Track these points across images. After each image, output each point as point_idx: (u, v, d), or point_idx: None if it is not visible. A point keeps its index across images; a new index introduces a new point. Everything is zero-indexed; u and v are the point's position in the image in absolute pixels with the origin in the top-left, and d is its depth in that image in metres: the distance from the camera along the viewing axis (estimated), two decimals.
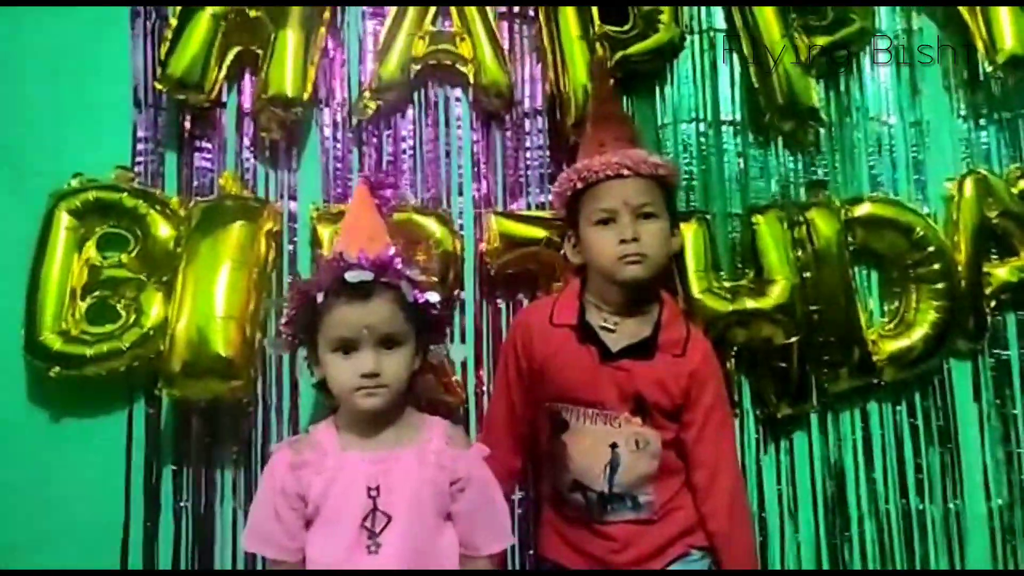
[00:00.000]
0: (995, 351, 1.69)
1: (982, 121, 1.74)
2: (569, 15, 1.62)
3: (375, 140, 1.65)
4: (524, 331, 1.40)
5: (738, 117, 1.70)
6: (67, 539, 1.51)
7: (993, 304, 1.68)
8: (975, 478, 1.66)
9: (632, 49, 1.64)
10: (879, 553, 1.63)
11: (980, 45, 1.69)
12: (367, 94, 1.62)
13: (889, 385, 1.65)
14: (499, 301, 1.63)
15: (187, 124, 1.62)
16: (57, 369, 1.49)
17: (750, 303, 1.58)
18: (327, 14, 1.63)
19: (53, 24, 1.63)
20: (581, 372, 1.34)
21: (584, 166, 1.36)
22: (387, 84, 1.62)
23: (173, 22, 1.58)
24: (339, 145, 1.65)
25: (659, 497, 1.34)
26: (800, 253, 1.62)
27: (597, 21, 1.63)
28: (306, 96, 1.58)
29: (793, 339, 1.58)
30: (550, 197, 1.61)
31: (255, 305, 1.51)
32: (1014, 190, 1.69)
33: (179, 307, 1.47)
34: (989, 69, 1.69)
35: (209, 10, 1.57)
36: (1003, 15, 1.67)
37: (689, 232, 1.56)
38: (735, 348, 1.60)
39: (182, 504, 1.55)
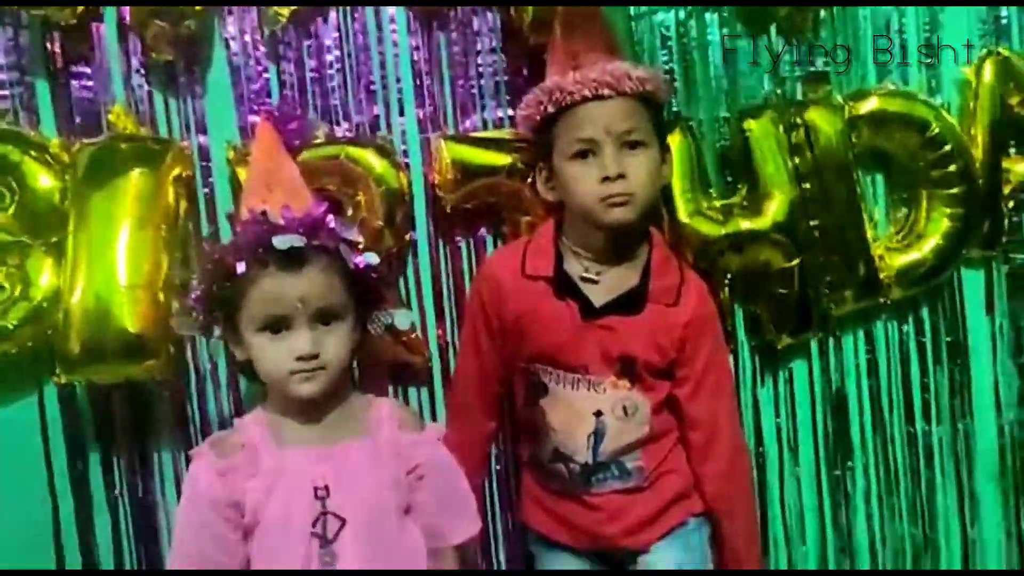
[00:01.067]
0: (1011, 255, 1.53)
1: None
2: None
3: (293, 53, 1.37)
4: (492, 285, 1.20)
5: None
6: None
7: (1011, 205, 1.50)
8: (985, 395, 1.53)
9: None
10: (883, 481, 1.51)
11: None
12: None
13: (895, 301, 1.49)
14: (458, 240, 1.40)
15: (56, 45, 1.31)
16: None
17: (745, 224, 1.38)
18: None
19: None
20: (560, 332, 1.16)
21: (555, 84, 1.13)
22: None
23: None
24: (251, 63, 1.37)
25: (649, 462, 1.19)
26: (799, 160, 1.40)
27: None
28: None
29: (794, 262, 1.39)
30: (510, 112, 1.38)
31: (167, 268, 1.27)
32: None
33: (72, 275, 1.24)
34: None
35: None
36: None
37: (672, 144, 1.32)
38: (728, 275, 1.41)
39: (116, 494, 1.37)
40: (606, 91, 1.10)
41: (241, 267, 1.01)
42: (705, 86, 1.42)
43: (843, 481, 1.51)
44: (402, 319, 1.13)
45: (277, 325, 1.01)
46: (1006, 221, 1.49)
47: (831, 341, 1.49)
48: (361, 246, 1.09)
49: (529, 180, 1.28)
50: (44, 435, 1.35)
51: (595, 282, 1.16)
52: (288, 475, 1.01)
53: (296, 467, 1.02)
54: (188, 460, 1.34)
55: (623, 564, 1.22)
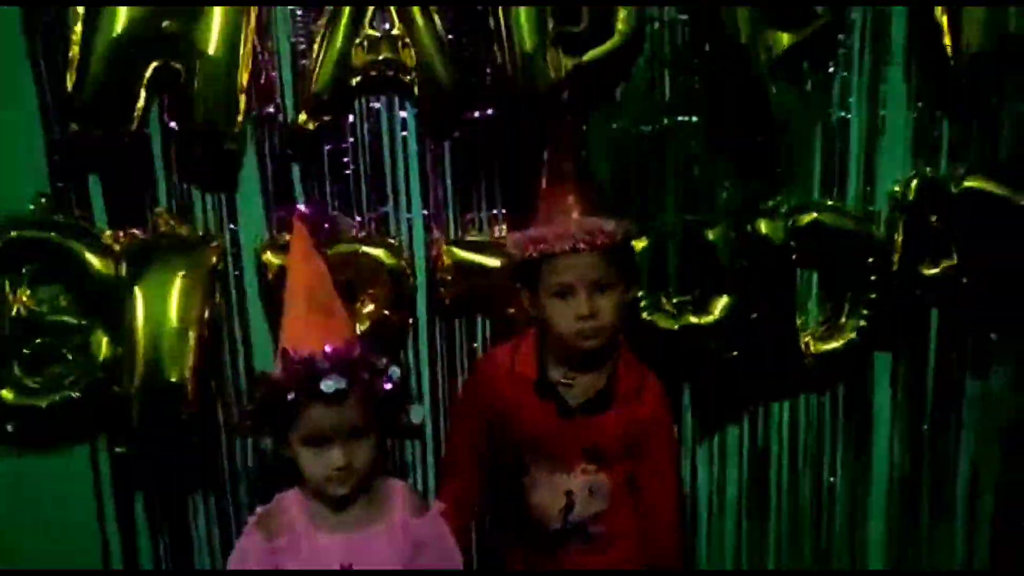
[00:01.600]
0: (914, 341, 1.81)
1: (938, 117, 1.71)
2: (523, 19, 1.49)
3: (315, 156, 1.56)
4: (485, 382, 1.45)
5: (694, 119, 1.64)
6: None
7: (920, 303, 1.77)
8: (883, 455, 1.84)
9: (587, 56, 1.53)
10: (793, 526, 1.84)
11: (947, 40, 1.63)
12: (302, 116, 1.50)
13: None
14: (454, 323, 1.65)
15: (108, 148, 1.50)
16: (14, 425, 1.50)
17: (694, 319, 1.64)
18: (252, 20, 1.46)
19: None
20: (541, 427, 1.42)
21: (541, 236, 1.35)
22: (323, 98, 1.50)
23: (76, 35, 1.40)
24: (279, 165, 1.56)
25: (609, 529, 1.47)
26: (745, 263, 1.65)
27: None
28: (237, 128, 1.46)
29: (733, 352, 1.66)
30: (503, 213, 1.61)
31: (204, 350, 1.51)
32: (955, 190, 1.71)
33: (129, 358, 1.47)
34: (953, 65, 1.63)
35: (117, 28, 1.39)
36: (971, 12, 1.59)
37: (639, 247, 1.58)
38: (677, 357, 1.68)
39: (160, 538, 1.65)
40: (581, 245, 1.32)
41: (291, 395, 1.22)
42: (672, 194, 1.65)
43: (760, 522, 1.83)
44: (416, 414, 1.35)
45: (318, 441, 1.24)
46: (916, 317, 1.77)
47: (760, 409, 1.78)
48: (387, 369, 1.28)
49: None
50: (96, 482, 1.61)
51: (571, 386, 1.41)
52: (322, 559, 1.28)
53: (329, 553, 1.28)
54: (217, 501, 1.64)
55: None
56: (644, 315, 1.61)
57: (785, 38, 1.58)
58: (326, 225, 1.36)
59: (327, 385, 1.20)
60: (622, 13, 1.52)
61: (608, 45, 1.53)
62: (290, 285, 1.32)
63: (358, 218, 1.59)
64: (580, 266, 1.33)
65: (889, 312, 1.72)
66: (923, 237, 1.71)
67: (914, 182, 1.69)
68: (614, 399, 1.42)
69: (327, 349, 1.23)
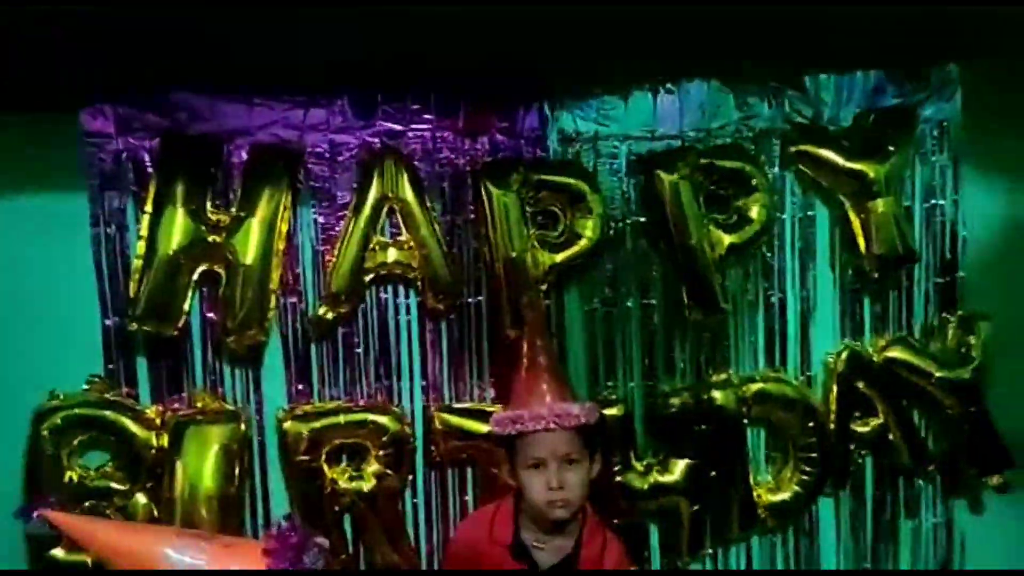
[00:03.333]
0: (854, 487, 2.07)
1: (860, 297, 2.02)
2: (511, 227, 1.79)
3: (331, 337, 1.83)
4: (467, 549, 1.67)
5: (654, 302, 1.93)
6: None
7: (855, 455, 2.03)
8: None
9: (560, 256, 1.84)
10: None
11: (860, 241, 1.95)
12: (322, 308, 1.78)
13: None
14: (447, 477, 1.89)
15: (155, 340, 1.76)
16: None
17: (659, 478, 1.89)
18: (283, 230, 1.75)
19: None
20: None
21: (518, 417, 1.58)
22: (340, 296, 1.78)
23: (139, 248, 1.69)
24: (299, 345, 1.82)
25: None
26: (704, 427, 1.92)
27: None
28: (268, 323, 1.74)
29: (695, 507, 1.91)
30: (490, 381, 1.87)
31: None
32: (877, 359, 2.00)
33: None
34: (865, 264, 1.96)
35: (173, 244, 1.68)
36: (876, 218, 1.92)
37: (611, 414, 1.85)
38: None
39: None
40: (552, 425, 1.56)
41: None
42: (639, 365, 1.93)
43: None
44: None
45: None
46: (851, 468, 2.03)
47: (719, 552, 2.01)
48: None
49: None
50: None
51: (542, 548, 1.63)
52: None
53: None
54: None
55: None
56: (617, 477, 1.85)
57: (727, 238, 1.89)
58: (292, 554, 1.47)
59: None
60: (590, 222, 1.83)
61: (578, 248, 1.84)
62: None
63: (362, 401, 1.84)
64: (551, 443, 1.56)
65: (828, 464, 1.98)
66: (853, 400, 2.00)
67: (844, 354, 1.99)
68: (579, 561, 1.63)
69: None
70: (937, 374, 1.99)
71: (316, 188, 1.78)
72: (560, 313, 1.89)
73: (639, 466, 1.90)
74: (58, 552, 1.69)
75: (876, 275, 1.96)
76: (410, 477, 1.86)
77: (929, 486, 2.09)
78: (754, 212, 1.91)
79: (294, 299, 1.80)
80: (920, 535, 2.10)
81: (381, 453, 1.81)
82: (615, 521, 1.86)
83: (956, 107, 1.99)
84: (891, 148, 1.93)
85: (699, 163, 1.87)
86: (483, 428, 1.81)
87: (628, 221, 1.90)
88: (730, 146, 1.90)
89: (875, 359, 2.00)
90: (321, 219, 1.79)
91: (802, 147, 1.93)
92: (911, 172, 1.99)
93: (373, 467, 1.81)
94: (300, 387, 1.82)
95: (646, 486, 1.88)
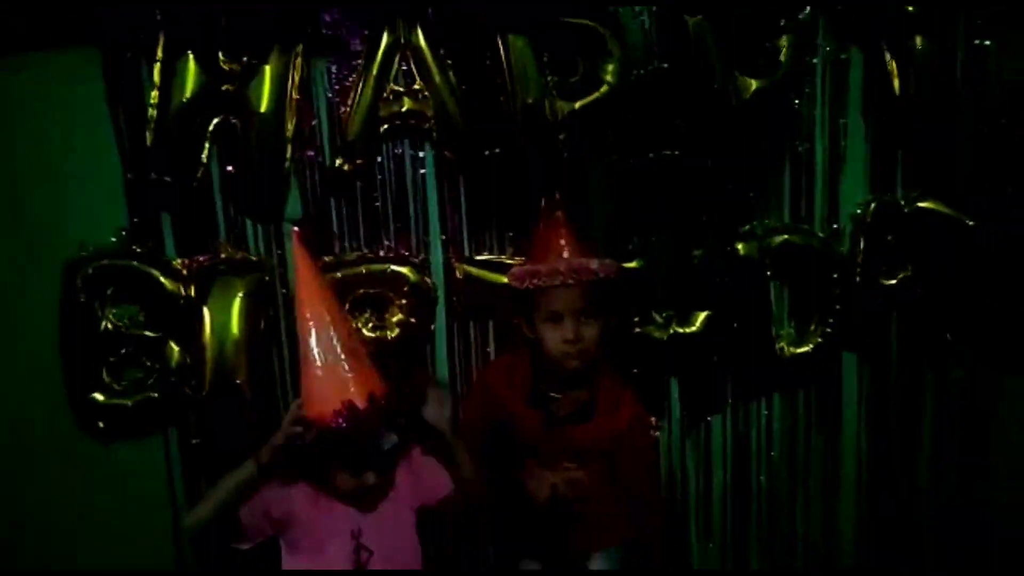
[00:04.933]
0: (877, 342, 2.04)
1: (898, 148, 1.94)
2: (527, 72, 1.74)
3: (349, 192, 1.83)
4: (487, 390, 1.71)
5: (677, 153, 1.88)
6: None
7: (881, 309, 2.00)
8: (851, 444, 2.09)
9: (579, 103, 1.79)
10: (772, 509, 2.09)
11: (895, 83, 1.86)
12: (338, 160, 1.77)
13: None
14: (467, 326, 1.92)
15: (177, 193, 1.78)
16: (104, 421, 1.79)
17: (680, 329, 1.90)
18: (296, 78, 1.73)
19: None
20: (531, 432, 1.67)
21: (535, 271, 1.59)
22: (356, 145, 1.77)
23: (153, 99, 1.69)
24: (319, 194, 1.83)
25: (585, 508, 1.70)
26: (725, 278, 1.90)
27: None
28: (285, 172, 1.74)
29: (714, 358, 1.92)
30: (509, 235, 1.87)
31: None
32: (908, 210, 1.94)
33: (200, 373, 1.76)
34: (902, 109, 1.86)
35: (187, 92, 1.67)
36: (915, 57, 1.82)
37: (632, 266, 1.84)
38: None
39: None
40: (571, 280, 1.57)
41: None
42: (659, 222, 1.90)
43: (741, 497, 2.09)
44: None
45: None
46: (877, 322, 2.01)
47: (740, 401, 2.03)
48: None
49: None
50: (168, 470, 1.90)
51: (558, 398, 1.66)
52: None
53: None
54: None
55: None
56: (636, 328, 1.86)
57: (753, 83, 1.82)
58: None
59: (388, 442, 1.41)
60: (610, 66, 1.76)
61: (597, 94, 1.78)
62: (309, 322, 1.43)
63: (387, 242, 1.86)
64: (568, 297, 1.58)
65: (853, 318, 1.96)
66: (881, 252, 1.95)
67: (872, 205, 1.93)
68: (595, 411, 1.66)
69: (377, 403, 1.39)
70: (969, 223, 1.93)
71: (328, 36, 1.74)
72: (580, 164, 1.86)
73: (659, 317, 1.90)
74: None
75: (912, 122, 1.88)
76: (432, 327, 1.89)
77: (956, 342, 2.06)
78: (783, 55, 1.82)
79: (311, 152, 1.80)
80: (946, 394, 2.09)
81: (403, 303, 1.84)
82: (634, 371, 1.89)
83: None
84: None
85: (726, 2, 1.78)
86: (503, 280, 1.82)
87: (650, 67, 1.83)
88: None
89: (906, 211, 1.94)
90: (334, 68, 1.76)
91: None
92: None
93: (397, 316, 1.85)
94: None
95: (666, 337, 1.89)
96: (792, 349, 1.97)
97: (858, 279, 1.95)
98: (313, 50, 1.75)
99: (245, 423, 1.76)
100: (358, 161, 1.77)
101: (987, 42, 1.89)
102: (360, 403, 1.37)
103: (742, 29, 1.81)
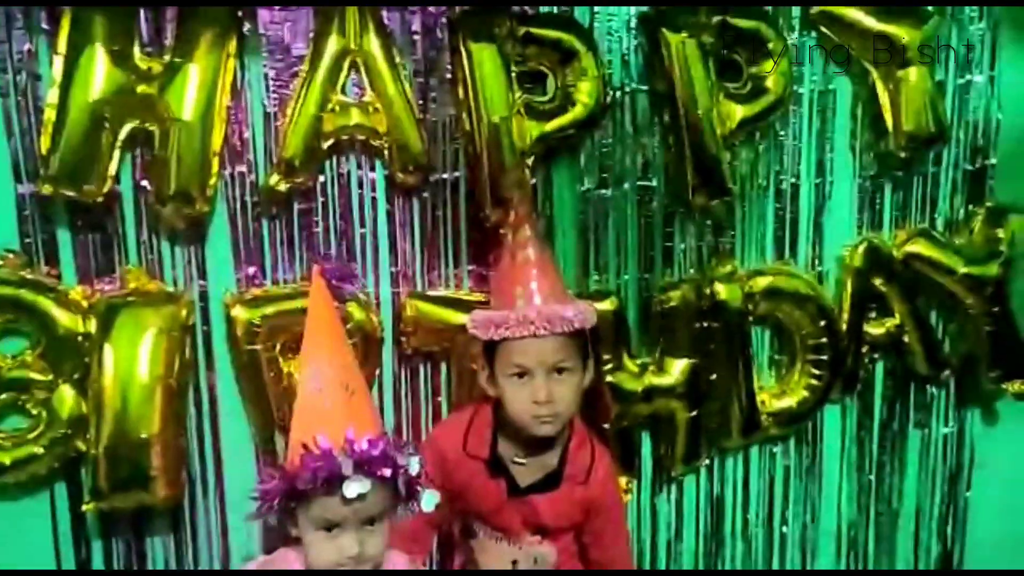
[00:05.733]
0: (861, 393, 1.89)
1: (881, 185, 1.81)
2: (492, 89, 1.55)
3: (285, 214, 1.59)
4: (439, 457, 1.46)
5: (654, 183, 1.71)
6: None
7: (866, 359, 1.85)
8: (832, 500, 1.92)
9: (550, 125, 1.60)
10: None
11: (888, 117, 1.73)
12: (274, 178, 1.54)
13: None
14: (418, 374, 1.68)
15: (79, 209, 1.51)
16: None
17: (654, 380, 1.70)
18: (226, 83, 1.49)
19: None
20: (490, 503, 1.45)
21: (503, 320, 1.37)
22: (294, 163, 1.53)
23: (52, 97, 1.42)
24: (248, 220, 1.58)
25: None
26: (705, 324, 1.72)
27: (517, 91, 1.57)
28: (210, 190, 1.50)
29: (692, 412, 1.73)
30: (469, 268, 1.65)
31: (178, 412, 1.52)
32: (897, 254, 1.81)
33: (98, 418, 1.47)
34: (891, 143, 1.74)
35: (93, 93, 1.41)
36: (907, 90, 1.70)
37: (604, 308, 1.64)
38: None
39: None
40: (543, 331, 1.35)
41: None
42: (635, 255, 1.72)
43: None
44: (428, 502, 1.25)
45: (331, 527, 1.19)
46: (861, 372, 1.85)
47: (716, 461, 1.84)
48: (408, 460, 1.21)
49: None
50: (55, 531, 1.59)
51: (522, 464, 1.44)
52: None
53: None
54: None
55: None
56: (608, 378, 1.66)
57: (739, 110, 1.66)
58: (348, 285, 1.36)
59: (350, 490, 1.16)
60: (584, 85, 1.58)
61: (571, 115, 1.60)
62: (308, 341, 1.29)
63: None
64: (539, 350, 1.36)
65: (837, 368, 1.80)
66: (868, 298, 1.81)
67: (861, 247, 1.79)
68: (563, 479, 1.44)
69: (352, 447, 1.17)
70: (962, 270, 1.81)
71: (266, 35, 1.52)
72: (548, 193, 1.67)
73: (633, 366, 1.71)
74: None
75: (903, 156, 1.75)
76: (377, 372, 1.65)
77: (942, 393, 1.94)
78: (770, 81, 1.67)
79: (243, 167, 1.56)
80: (929, 445, 1.96)
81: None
82: (604, 426, 1.69)
83: None
84: (928, 8, 1.70)
85: (711, 21, 1.62)
86: (460, 318, 1.60)
87: (627, 89, 1.66)
88: (745, 3, 1.65)
89: (895, 254, 1.81)
90: (272, 73, 1.53)
91: (825, 7, 1.69)
92: (946, 41, 1.76)
93: None
94: (251, 270, 1.59)
95: (640, 388, 1.70)
96: (774, 402, 1.81)
97: (844, 326, 1.80)
98: (248, 50, 1.52)
99: (151, 486, 1.49)
100: (297, 180, 1.54)
101: (978, 77, 1.80)
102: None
103: (729, 51, 1.66)
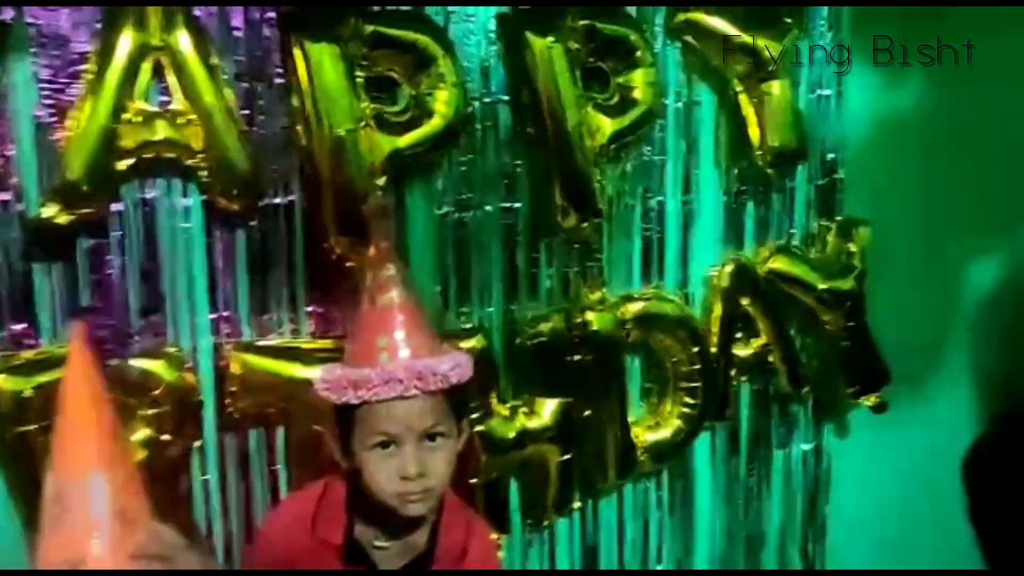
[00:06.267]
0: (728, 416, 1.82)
1: (744, 201, 1.75)
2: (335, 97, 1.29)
3: (66, 255, 1.25)
4: (280, 550, 1.19)
5: (518, 205, 1.53)
6: None
7: (734, 382, 1.79)
8: (704, 530, 1.84)
9: (403, 140, 1.37)
10: None
11: (754, 132, 1.66)
12: (50, 209, 1.19)
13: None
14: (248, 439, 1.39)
15: None
16: None
17: (527, 423, 1.53)
18: None
19: None
20: None
21: (362, 379, 1.11)
22: (79, 187, 1.20)
23: None
24: (13, 263, 1.22)
25: None
26: (577, 357, 1.57)
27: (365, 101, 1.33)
28: None
29: (565, 456, 1.57)
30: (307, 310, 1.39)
31: None
32: (761, 272, 1.76)
33: None
34: (758, 158, 1.68)
35: None
36: (771, 104, 1.64)
37: (469, 347, 1.43)
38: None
39: None
40: (413, 391, 1.12)
41: None
42: (499, 283, 1.53)
43: None
44: None
45: None
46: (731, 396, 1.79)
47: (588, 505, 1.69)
48: None
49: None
50: None
51: (385, 549, 1.20)
52: None
53: None
54: None
55: None
56: (477, 427, 1.45)
57: (609, 123, 1.52)
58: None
59: None
60: (443, 95, 1.37)
61: (427, 128, 1.38)
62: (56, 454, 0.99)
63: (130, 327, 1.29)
64: (408, 414, 1.12)
65: (710, 394, 1.72)
66: (736, 319, 1.74)
67: (729, 266, 1.71)
68: (434, 562, 1.22)
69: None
70: (821, 286, 1.78)
71: (36, 24, 1.18)
72: (400, 218, 1.44)
73: (503, 410, 1.52)
74: None
75: (769, 172, 1.69)
76: (197, 444, 1.35)
77: (801, 410, 1.92)
78: (638, 92, 1.55)
79: (6, 195, 1.20)
80: (791, 463, 1.93)
81: (152, 413, 1.28)
82: (472, 481, 1.48)
83: None
84: (787, 20, 1.65)
85: (577, 25, 1.47)
86: (299, 372, 1.34)
87: (488, 100, 1.47)
88: (610, 7, 1.51)
89: (759, 272, 1.75)
90: (46, 73, 1.19)
91: (691, 15, 1.59)
92: (801, 54, 1.72)
93: (144, 433, 1.28)
94: (20, 327, 1.24)
95: (512, 434, 1.51)
96: (648, 435, 1.69)
97: (714, 349, 1.72)
98: (12, 44, 1.17)
99: None
100: (83, 210, 1.20)
101: (826, 91, 1.78)
102: None
103: (595, 58, 1.51)
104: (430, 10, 1.39)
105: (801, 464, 1.94)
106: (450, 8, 1.40)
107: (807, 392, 1.89)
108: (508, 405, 1.53)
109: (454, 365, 1.16)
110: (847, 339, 1.83)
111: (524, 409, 1.54)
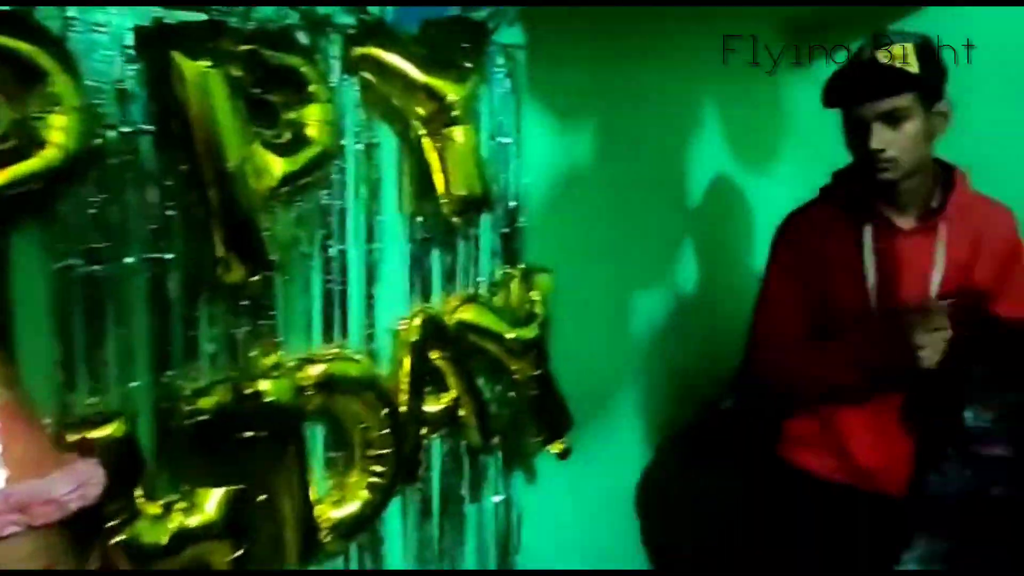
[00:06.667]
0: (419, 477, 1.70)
1: (429, 250, 1.65)
2: None
3: None
4: None
5: (169, 256, 1.27)
6: None
7: (425, 440, 1.67)
8: None
9: (4, 176, 1.05)
10: None
11: (438, 178, 1.58)
12: None
13: None
14: None
15: None
16: None
17: (186, 521, 1.26)
18: None
19: None
20: None
21: None
22: None
23: None
24: None
25: None
26: (249, 434, 1.33)
27: None
28: None
29: (237, 553, 1.32)
30: None
31: None
32: (450, 321, 1.67)
33: None
34: (442, 206, 1.59)
35: None
36: (455, 150, 1.57)
37: (108, 433, 1.13)
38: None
39: None
40: (11, 529, 0.80)
41: None
42: (142, 359, 1.24)
43: None
44: None
45: None
46: (421, 456, 1.66)
47: None
48: None
49: None
50: None
51: None
52: None
53: None
54: None
55: None
56: (117, 537, 1.15)
57: (280, 163, 1.33)
58: None
59: None
60: (58, 119, 1.08)
61: (37, 161, 1.07)
62: None
63: None
64: (7, 562, 0.84)
65: (400, 457, 1.58)
66: (426, 373, 1.63)
67: (417, 318, 1.59)
68: None
69: None
70: (509, 335, 1.74)
71: None
72: (4, 274, 1.11)
73: (153, 508, 1.23)
74: None
75: (455, 220, 1.61)
76: None
77: (490, 462, 1.86)
78: (312, 130, 1.37)
79: None
80: (483, 518, 1.87)
81: None
82: None
83: (518, 26, 1.74)
84: (467, 64, 1.59)
85: (238, 50, 1.26)
86: None
87: (125, 130, 1.19)
88: (279, 33, 1.33)
89: (449, 323, 1.66)
90: None
91: (369, 50, 1.46)
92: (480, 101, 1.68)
93: None
94: None
95: (166, 538, 1.23)
96: (333, 513, 1.50)
97: (403, 408, 1.58)
98: None
99: None
100: None
101: (507, 139, 1.76)
102: None
103: (261, 90, 1.31)
104: (45, 13, 1.09)
105: (492, 516, 1.89)
106: (69, 12, 1.11)
107: (496, 443, 1.84)
108: (160, 502, 1.25)
109: (78, 483, 0.88)
110: (535, 388, 1.82)
111: (182, 505, 1.27)
